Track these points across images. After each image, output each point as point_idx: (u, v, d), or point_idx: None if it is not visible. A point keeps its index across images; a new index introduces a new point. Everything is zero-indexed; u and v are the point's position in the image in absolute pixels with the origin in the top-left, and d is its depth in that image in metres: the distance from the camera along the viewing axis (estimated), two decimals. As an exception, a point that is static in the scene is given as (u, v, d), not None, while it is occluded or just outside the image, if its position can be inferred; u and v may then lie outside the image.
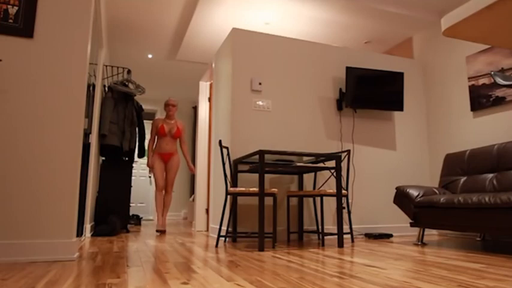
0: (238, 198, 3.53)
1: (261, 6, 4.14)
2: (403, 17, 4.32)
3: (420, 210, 3.13)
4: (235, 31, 3.83)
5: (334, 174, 3.83)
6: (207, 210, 4.84)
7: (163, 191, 4.46)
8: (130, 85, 4.54)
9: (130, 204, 7.47)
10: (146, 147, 6.78)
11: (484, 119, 3.79)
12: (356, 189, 4.04)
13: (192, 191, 7.64)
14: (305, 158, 3.73)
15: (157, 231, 4.27)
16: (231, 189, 3.07)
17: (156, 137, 4.53)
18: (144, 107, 7.49)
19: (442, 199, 2.89)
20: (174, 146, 4.53)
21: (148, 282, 1.59)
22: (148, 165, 4.47)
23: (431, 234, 4.21)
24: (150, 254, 2.49)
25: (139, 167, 7.98)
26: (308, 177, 3.83)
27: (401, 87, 4.19)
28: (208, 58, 5.60)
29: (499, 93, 3.61)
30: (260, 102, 3.78)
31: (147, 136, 7.05)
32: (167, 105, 4.58)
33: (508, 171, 3.03)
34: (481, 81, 3.80)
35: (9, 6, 2.29)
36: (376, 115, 4.28)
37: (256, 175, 3.63)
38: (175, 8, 4.27)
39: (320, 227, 3.67)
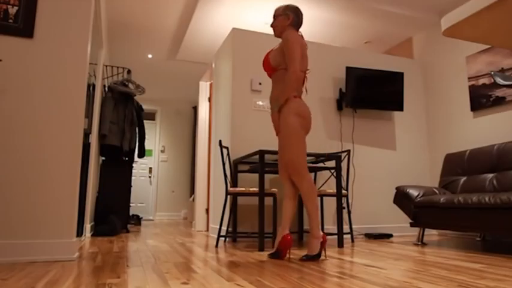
0: (238, 198, 3.53)
1: (261, 6, 4.14)
2: (403, 17, 4.32)
3: (420, 210, 3.12)
4: (235, 31, 3.83)
5: (334, 174, 3.83)
6: (207, 210, 4.84)
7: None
8: (130, 85, 4.54)
9: (131, 204, 7.45)
10: (147, 147, 6.73)
11: (484, 119, 3.78)
12: (356, 189, 4.04)
13: (192, 191, 7.63)
14: (305, 158, 3.73)
15: (272, 254, 2.32)
16: (231, 189, 3.07)
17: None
18: (144, 107, 7.46)
19: (442, 199, 2.89)
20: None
21: (148, 282, 1.59)
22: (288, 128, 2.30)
23: (431, 234, 4.21)
24: (150, 254, 2.49)
25: (139, 167, 7.98)
26: (308, 177, 3.83)
27: (401, 87, 4.19)
28: (208, 58, 5.59)
29: (499, 93, 3.61)
30: (260, 102, 3.78)
31: (147, 136, 7.04)
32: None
33: (508, 171, 3.03)
34: (481, 81, 3.80)
35: (9, 6, 2.29)
36: (376, 115, 4.28)
37: (256, 175, 3.62)
38: (175, 8, 4.27)
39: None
